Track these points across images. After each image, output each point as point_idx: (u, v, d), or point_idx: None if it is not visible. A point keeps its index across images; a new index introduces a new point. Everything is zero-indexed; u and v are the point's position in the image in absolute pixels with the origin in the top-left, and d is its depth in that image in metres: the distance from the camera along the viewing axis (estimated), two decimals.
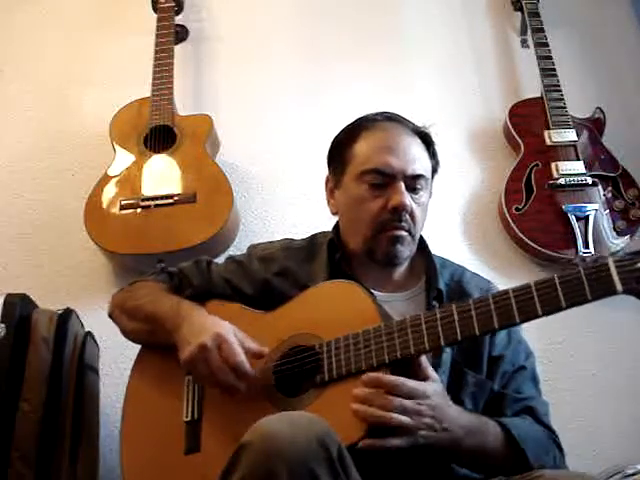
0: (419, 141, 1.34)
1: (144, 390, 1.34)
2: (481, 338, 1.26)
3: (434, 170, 1.37)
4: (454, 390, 1.21)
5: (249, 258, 1.43)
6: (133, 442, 1.29)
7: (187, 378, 1.28)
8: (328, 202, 1.41)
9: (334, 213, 1.40)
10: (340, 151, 1.37)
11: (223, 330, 1.19)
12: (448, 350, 1.21)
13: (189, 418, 1.24)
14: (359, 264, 1.34)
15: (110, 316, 1.44)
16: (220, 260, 1.50)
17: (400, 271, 1.35)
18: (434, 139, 1.37)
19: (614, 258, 1.02)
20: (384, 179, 1.28)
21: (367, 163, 1.30)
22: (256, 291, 1.37)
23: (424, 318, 1.11)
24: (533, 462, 1.15)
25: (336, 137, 1.42)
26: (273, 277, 1.37)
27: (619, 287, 0.99)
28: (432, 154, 1.36)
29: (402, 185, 1.27)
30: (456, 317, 1.09)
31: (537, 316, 1.04)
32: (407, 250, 1.30)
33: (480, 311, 1.07)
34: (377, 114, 1.38)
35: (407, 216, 1.28)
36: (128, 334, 1.41)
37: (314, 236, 1.46)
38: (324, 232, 1.45)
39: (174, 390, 1.28)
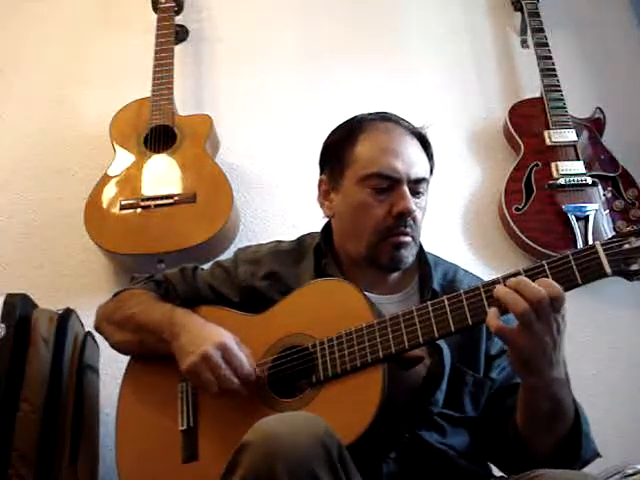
0: (418, 143, 1.32)
1: (136, 402, 1.32)
2: (477, 333, 1.26)
3: (431, 171, 1.34)
4: (454, 389, 1.21)
5: (235, 263, 1.40)
6: (129, 454, 1.27)
7: (180, 386, 1.27)
8: (322, 205, 1.37)
9: (329, 216, 1.36)
10: (338, 152, 1.32)
11: (226, 339, 1.18)
12: (447, 350, 1.20)
13: (185, 427, 1.23)
14: (352, 267, 1.32)
15: (97, 329, 1.43)
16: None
17: (395, 274, 1.33)
18: (431, 140, 1.35)
19: (601, 241, 1.03)
20: (388, 183, 1.25)
21: (370, 167, 1.26)
22: (241, 297, 1.35)
23: (416, 312, 1.11)
24: (584, 434, 1.13)
25: (330, 138, 1.38)
26: (260, 281, 1.34)
27: (608, 269, 1.01)
28: (430, 156, 1.34)
29: (406, 189, 1.25)
30: (448, 309, 1.09)
31: None
32: (411, 255, 1.28)
33: (471, 301, 1.07)
34: (373, 114, 1.35)
35: (411, 221, 1.25)
36: (117, 345, 1.38)
37: (302, 238, 1.43)
38: (312, 233, 1.42)
39: (167, 399, 1.27)
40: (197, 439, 1.21)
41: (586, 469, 1.17)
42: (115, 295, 1.43)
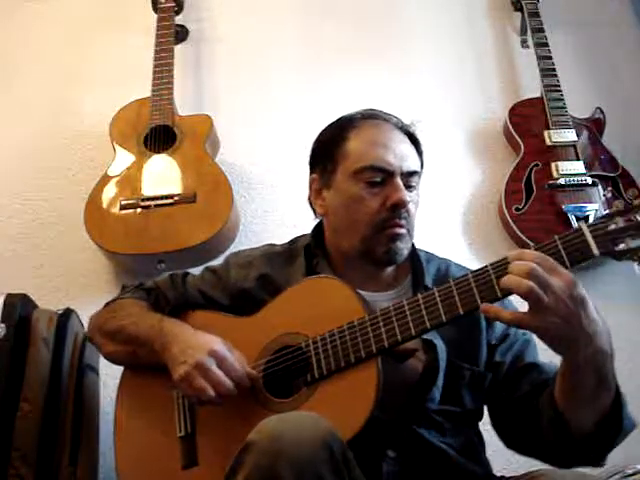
0: (407, 138, 1.32)
1: (132, 410, 1.32)
2: (476, 326, 1.26)
3: (421, 166, 1.34)
4: (451, 385, 1.21)
5: (226, 267, 1.39)
6: (128, 463, 1.27)
7: (176, 392, 1.26)
8: (313, 204, 1.36)
9: (321, 214, 1.35)
10: (329, 150, 1.32)
11: (217, 346, 1.18)
12: (442, 347, 1.20)
13: (183, 433, 1.22)
14: (344, 266, 1.31)
15: (90, 339, 1.43)
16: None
17: (388, 271, 1.32)
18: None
19: (587, 223, 1.03)
20: (382, 176, 1.25)
21: (363, 160, 1.26)
22: (232, 301, 1.34)
23: (407, 304, 1.11)
24: (625, 406, 1.11)
25: (320, 137, 1.38)
26: (251, 284, 1.33)
27: (595, 250, 1.01)
28: (419, 152, 1.34)
29: (400, 182, 1.25)
30: (439, 299, 1.08)
31: None
32: (406, 249, 1.27)
33: (462, 290, 1.07)
34: (360, 112, 1.35)
35: (405, 214, 1.25)
36: (109, 356, 1.38)
37: (295, 239, 1.43)
38: (305, 234, 1.42)
39: (163, 407, 1.26)
40: (196, 445, 1.21)
41: (586, 469, 1.17)
42: (106, 305, 1.42)
